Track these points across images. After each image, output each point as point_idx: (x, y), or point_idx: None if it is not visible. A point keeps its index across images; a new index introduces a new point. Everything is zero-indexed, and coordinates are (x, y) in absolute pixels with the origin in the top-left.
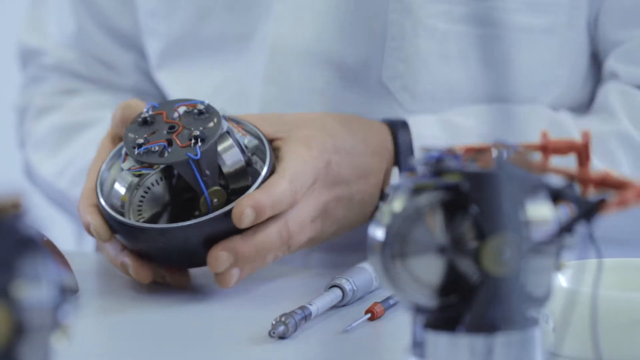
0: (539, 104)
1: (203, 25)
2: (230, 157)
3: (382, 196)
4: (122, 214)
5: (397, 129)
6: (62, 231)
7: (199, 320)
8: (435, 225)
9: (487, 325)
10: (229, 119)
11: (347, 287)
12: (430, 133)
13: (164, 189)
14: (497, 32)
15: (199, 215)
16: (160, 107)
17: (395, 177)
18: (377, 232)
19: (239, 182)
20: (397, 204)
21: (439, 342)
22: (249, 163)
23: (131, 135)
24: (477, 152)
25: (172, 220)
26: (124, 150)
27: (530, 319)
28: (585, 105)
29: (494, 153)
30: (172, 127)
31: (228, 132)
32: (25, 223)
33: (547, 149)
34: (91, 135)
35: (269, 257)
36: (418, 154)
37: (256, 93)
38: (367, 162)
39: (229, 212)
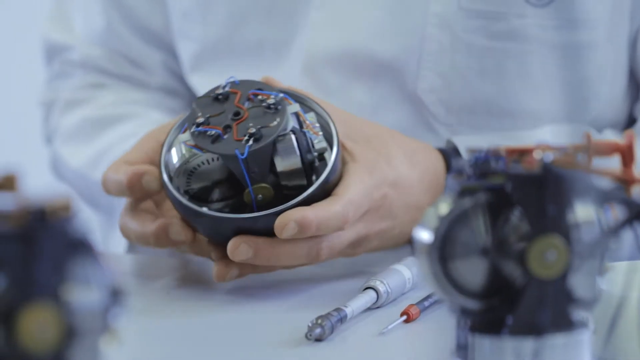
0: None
1: (239, 31)
2: (287, 158)
3: None
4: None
5: (451, 159)
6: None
7: (235, 323)
8: (481, 227)
9: (532, 328)
10: (303, 114)
11: (382, 289)
12: None
13: (216, 166)
14: (536, 48)
15: (245, 204)
16: (238, 85)
17: None
18: (424, 235)
19: (292, 180)
20: (443, 207)
21: (484, 345)
22: (312, 163)
23: (197, 110)
24: (521, 153)
25: (225, 195)
26: (183, 121)
27: (576, 322)
28: (623, 122)
29: (538, 154)
30: (237, 114)
31: (293, 132)
32: (75, 225)
33: (590, 150)
34: (127, 129)
35: (284, 265)
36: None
37: None
38: (420, 199)
39: (268, 215)
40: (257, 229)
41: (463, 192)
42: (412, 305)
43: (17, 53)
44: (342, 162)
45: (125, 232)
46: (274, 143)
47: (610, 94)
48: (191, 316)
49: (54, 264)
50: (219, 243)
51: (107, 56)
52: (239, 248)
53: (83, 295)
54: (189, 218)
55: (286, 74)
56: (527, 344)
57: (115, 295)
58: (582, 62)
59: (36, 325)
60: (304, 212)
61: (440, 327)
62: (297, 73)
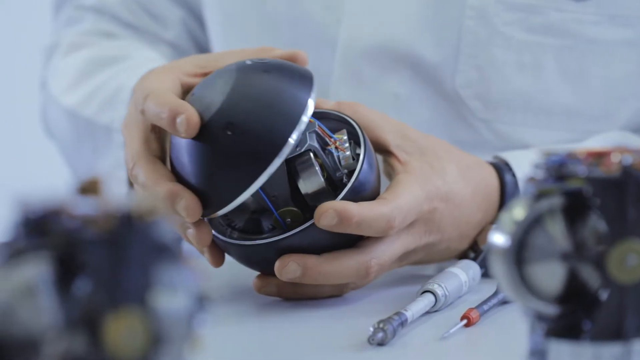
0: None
1: (253, 5)
2: (309, 180)
3: (474, 247)
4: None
5: (504, 173)
6: None
7: (298, 329)
8: (558, 232)
9: (614, 334)
10: (327, 132)
11: (440, 292)
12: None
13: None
14: (574, 44)
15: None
16: None
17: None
18: (500, 239)
19: (320, 201)
20: (518, 211)
21: (562, 351)
22: (342, 180)
23: None
24: (599, 156)
25: (276, 222)
26: None
27: None
28: None
29: (617, 157)
30: None
31: (314, 152)
32: (161, 230)
33: None
34: (125, 64)
35: (329, 288)
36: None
37: (325, 90)
38: (471, 215)
39: (291, 236)
40: (286, 251)
41: (539, 196)
42: (472, 309)
43: (19, 51)
44: (394, 173)
45: (134, 179)
46: (295, 167)
47: None
48: (252, 323)
49: (140, 269)
50: (257, 269)
51: (124, 4)
52: (287, 266)
53: (169, 301)
54: (223, 249)
55: (313, 59)
56: (608, 350)
57: (201, 301)
58: (622, 60)
59: (123, 331)
60: (346, 204)
61: (501, 331)
62: (324, 59)
